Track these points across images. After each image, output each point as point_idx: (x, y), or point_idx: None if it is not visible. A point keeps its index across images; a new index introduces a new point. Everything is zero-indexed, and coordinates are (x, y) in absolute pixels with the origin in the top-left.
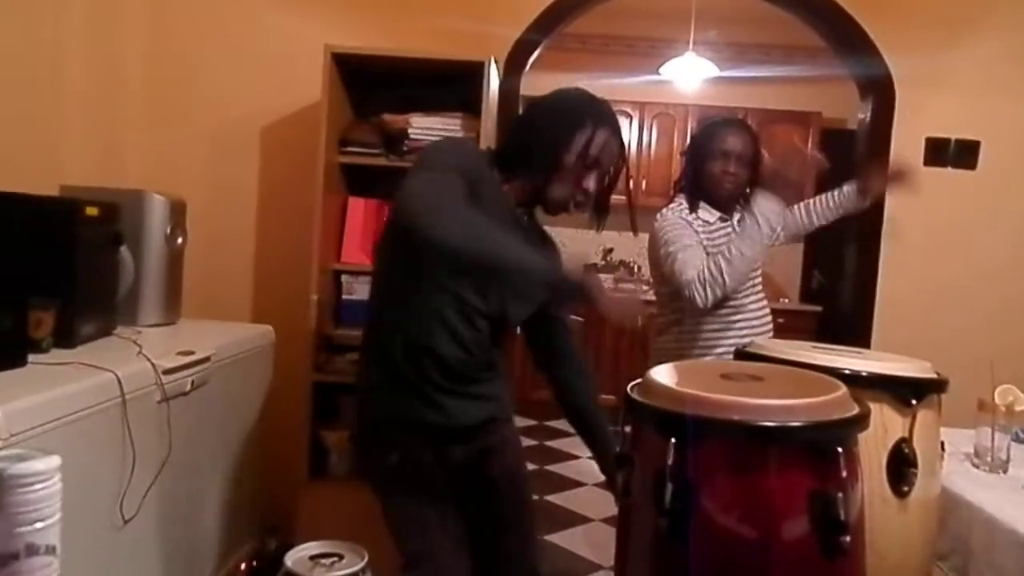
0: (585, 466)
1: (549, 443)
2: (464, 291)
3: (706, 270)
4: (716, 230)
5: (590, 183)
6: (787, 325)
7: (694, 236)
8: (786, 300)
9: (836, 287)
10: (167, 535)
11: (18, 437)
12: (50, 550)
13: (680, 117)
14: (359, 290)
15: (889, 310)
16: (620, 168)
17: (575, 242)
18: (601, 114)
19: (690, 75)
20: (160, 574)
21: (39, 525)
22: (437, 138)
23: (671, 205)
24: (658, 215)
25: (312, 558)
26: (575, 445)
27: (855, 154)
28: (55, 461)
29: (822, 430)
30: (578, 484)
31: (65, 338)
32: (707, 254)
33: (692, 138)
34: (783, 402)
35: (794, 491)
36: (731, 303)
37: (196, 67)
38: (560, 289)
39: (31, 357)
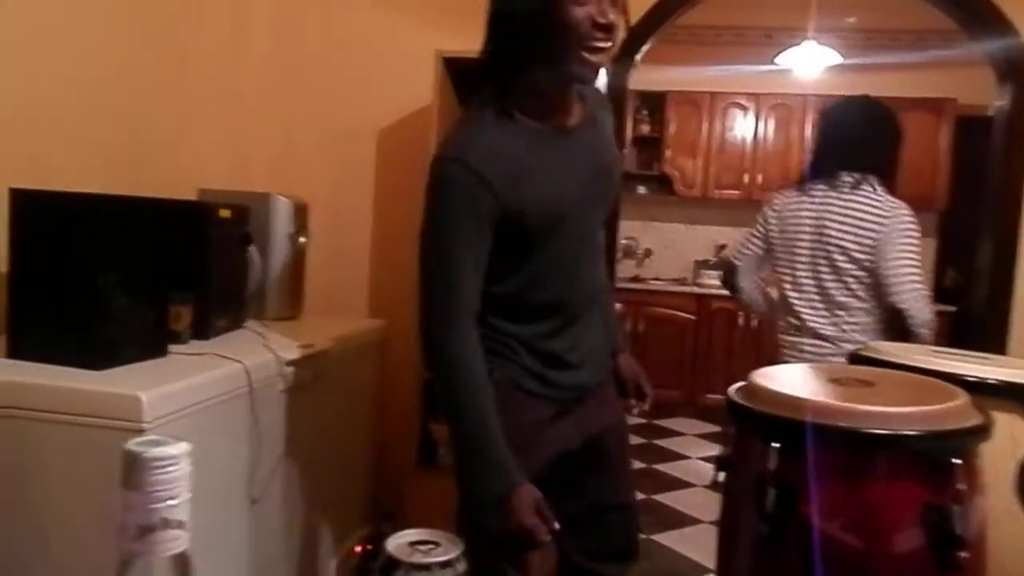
0: (694, 467)
1: (658, 442)
2: None
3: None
4: None
5: None
6: None
7: None
8: None
9: (971, 286)
10: (290, 516)
11: (160, 420)
12: (181, 524)
13: (798, 108)
14: None
15: None
16: None
17: (684, 237)
18: None
19: (810, 64)
20: (284, 551)
21: (172, 502)
22: None
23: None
24: (902, 206)
25: (411, 544)
26: (685, 444)
27: (992, 144)
28: (185, 447)
29: (937, 440)
30: (687, 485)
31: (201, 330)
32: None
33: (892, 117)
34: (894, 409)
35: (905, 502)
36: None
37: (316, 74)
38: (478, 507)
39: (171, 347)
